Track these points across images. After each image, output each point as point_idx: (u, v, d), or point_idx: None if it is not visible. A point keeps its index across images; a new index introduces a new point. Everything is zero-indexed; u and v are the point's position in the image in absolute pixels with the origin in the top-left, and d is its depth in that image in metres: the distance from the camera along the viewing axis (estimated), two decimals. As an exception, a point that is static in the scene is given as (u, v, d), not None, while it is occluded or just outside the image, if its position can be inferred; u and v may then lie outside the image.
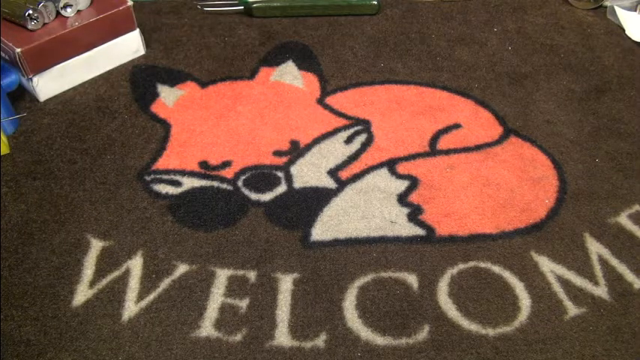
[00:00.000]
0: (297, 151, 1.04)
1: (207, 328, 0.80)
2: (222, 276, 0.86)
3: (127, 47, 1.22)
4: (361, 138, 1.06)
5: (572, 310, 0.82)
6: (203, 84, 1.18)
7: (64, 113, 1.11)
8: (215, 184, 0.98)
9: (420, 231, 0.91)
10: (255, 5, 1.33)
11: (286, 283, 0.85)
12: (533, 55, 1.26)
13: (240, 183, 0.98)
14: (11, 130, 1.07)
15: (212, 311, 0.81)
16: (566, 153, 1.04)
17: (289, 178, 0.99)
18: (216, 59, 1.24)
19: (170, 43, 1.28)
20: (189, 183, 0.98)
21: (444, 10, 1.39)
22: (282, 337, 0.79)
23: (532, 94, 1.17)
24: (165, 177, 0.99)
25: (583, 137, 1.08)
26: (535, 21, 1.36)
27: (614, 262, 0.88)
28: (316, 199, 0.96)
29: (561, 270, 0.87)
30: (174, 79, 1.19)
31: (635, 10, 1.35)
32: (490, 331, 0.80)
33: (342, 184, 0.98)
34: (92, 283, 0.84)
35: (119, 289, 0.84)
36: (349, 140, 1.06)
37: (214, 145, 1.05)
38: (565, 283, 0.85)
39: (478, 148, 1.05)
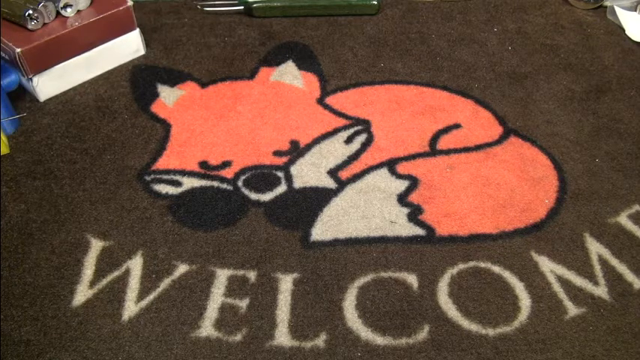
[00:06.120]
0: (297, 151, 1.04)
1: (207, 328, 0.80)
2: (222, 276, 0.86)
3: (127, 47, 1.22)
4: (361, 138, 1.06)
5: (572, 310, 0.82)
6: (203, 84, 1.18)
7: (64, 113, 1.11)
8: (215, 184, 0.98)
9: (420, 231, 0.91)
10: (255, 5, 1.33)
11: (286, 283, 0.85)
12: (533, 55, 1.26)
13: (240, 183, 0.98)
14: (11, 130, 1.07)
15: (212, 311, 0.81)
16: (566, 153, 1.04)
17: (289, 178, 0.99)
18: (216, 59, 1.24)
19: (170, 43, 1.28)
20: (189, 183, 0.98)
21: (444, 10, 1.39)
22: (282, 337, 0.79)
23: (532, 94, 1.17)
24: (165, 177, 0.99)
25: (583, 137, 1.08)
26: (535, 21, 1.36)
27: (614, 262, 0.88)
28: (316, 199, 0.96)
29: (561, 270, 0.87)
30: (174, 79, 1.19)
31: (635, 10, 1.35)
32: (490, 331, 0.80)
33: (342, 184, 0.98)
34: (92, 283, 0.84)
35: (119, 289, 0.84)
36: (349, 140, 1.06)
37: (214, 145, 1.05)
38: (565, 283, 0.85)
39: (478, 148, 1.05)
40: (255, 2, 1.33)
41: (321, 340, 0.78)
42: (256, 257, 0.88)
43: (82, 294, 0.83)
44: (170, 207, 0.95)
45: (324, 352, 0.77)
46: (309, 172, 1.00)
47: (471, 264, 0.87)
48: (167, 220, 0.93)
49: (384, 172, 1.00)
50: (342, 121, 1.10)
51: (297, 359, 0.77)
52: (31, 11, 1.08)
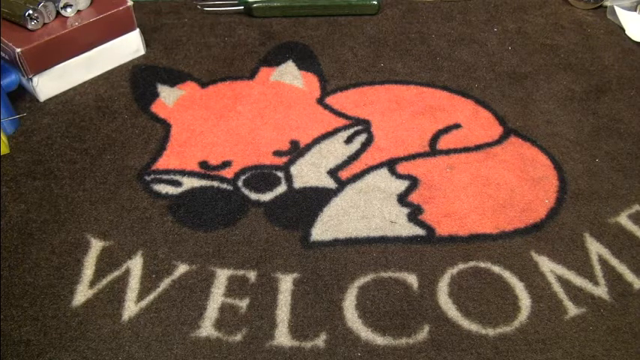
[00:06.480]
0: (297, 151, 1.04)
1: (207, 328, 0.80)
2: (222, 276, 0.86)
3: (127, 47, 1.22)
4: (361, 138, 1.06)
5: (572, 310, 0.82)
6: (203, 84, 1.18)
7: (64, 113, 1.11)
8: (215, 184, 0.98)
9: (420, 231, 0.91)
10: (255, 5, 1.33)
11: (286, 283, 0.85)
12: (533, 55, 1.26)
13: (240, 183, 0.98)
14: (11, 130, 1.07)
15: (212, 311, 0.81)
16: (566, 153, 1.04)
17: (289, 178, 0.99)
18: (216, 59, 1.24)
19: (170, 43, 1.28)
20: (189, 183, 0.98)
21: (444, 10, 1.39)
22: (282, 337, 0.79)
23: (532, 94, 1.17)
24: (165, 177, 0.99)
25: (583, 137, 1.08)
26: (535, 21, 1.36)
27: (614, 262, 0.88)
28: (316, 199, 0.96)
29: (561, 270, 0.87)
30: (174, 79, 1.19)
31: (635, 10, 1.35)
32: (490, 331, 0.80)
33: (342, 184, 0.98)
34: (92, 283, 0.84)
35: (119, 289, 0.84)
36: (349, 140, 1.06)
37: (214, 145, 1.05)
38: (565, 283, 0.85)
39: (478, 148, 1.05)
40: (255, 2, 1.33)
41: (321, 340, 0.78)
42: (256, 257, 0.88)
43: (82, 294, 0.83)
44: (170, 207, 0.95)
45: (324, 352, 0.77)
46: (309, 172, 1.00)
47: (471, 264, 0.87)
48: (167, 220, 0.93)
49: (384, 172, 1.00)
50: (342, 121, 1.10)
51: (297, 359, 0.77)
52: (31, 11, 1.08)
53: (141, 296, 0.83)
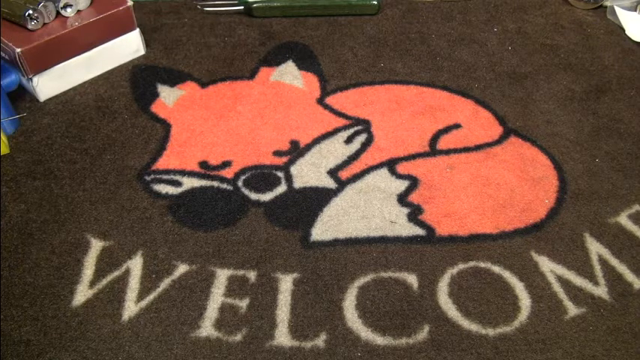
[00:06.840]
0: (297, 151, 1.04)
1: (207, 328, 0.80)
2: (222, 276, 0.86)
3: (127, 47, 1.22)
4: (361, 138, 1.06)
5: (572, 310, 0.82)
6: (203, 84, 1.18)
7: (64, 113, 1.11)
8: (215, 184, 0.98)
9: (420, 231, 0.91)
10: (255, 5, 1.33)
11: (286, 283, 0.85)
12: (533, 55, 1.26)
13: (240, 183, 0.98)
14: (11, 130, 1.07)
15: (212, 311, 0.81)
16: (566, 153, 1.04)
17: (289, 178, 0.99)
18: (216, 59, 1.24)
19: (170, 43, 1.28)
20: (189, 183, 0.98)
21: (444, 10, 1.39)
22: (282, 337, 0.79)
23: (532, 94, 1.17)
24: (165, 177, 0.99)
25: (583, 137, 1.08)
26: (535, 21, 1.36)
27: (614, 262, 0.88)
28: (316, 199, 0.96)
29: (561, 270, 0.87)
30: (174, 79, 1.19)
31: (635, 10, 1.35)
32: (490, 331, 0.80)
33: (342, 184, 0.98)
34: (92, 283, 0.84)
35: (119, 289, 0.84)
36: (349, 140, 1.06)
37: (214, 145, 1.05)
38: (565, 283, 0.85)
39: (478, 148, 1.05)
40: (255, 2, 1.33)
41: (321, 340, 0.78)
42: (256, 257, 0.88)
43: (82, 294, 0.83)
44: (170, 207, 0.95)
45: (324, 352, 0.77)
46: (309, 172, 1.00)
47: (471, 264, 0.87)
48: (167, 220, 0.93)
49: (384, 172, 1.00)
50: (342, 121, 1.10)
51: (297, 359, 0.77)
52: (31, 11, 1.08)
53: (141, 296, 0.83)
